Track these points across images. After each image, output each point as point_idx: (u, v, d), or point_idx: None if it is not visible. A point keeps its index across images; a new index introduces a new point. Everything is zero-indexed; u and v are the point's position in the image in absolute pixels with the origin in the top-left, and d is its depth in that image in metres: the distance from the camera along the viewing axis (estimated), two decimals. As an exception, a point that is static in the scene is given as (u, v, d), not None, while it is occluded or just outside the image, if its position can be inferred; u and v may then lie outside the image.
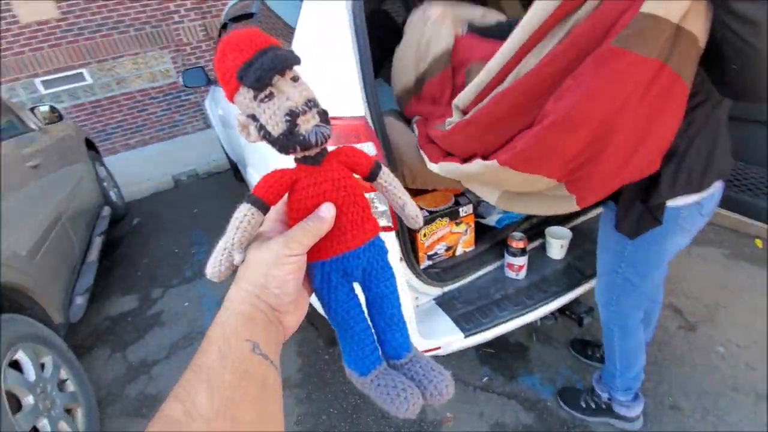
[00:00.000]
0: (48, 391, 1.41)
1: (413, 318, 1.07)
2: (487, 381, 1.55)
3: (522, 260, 1.26)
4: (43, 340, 1.49)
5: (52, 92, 5.00)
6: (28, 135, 2.27)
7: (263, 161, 1.43)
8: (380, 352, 0.36)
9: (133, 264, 2.82)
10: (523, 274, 1.29)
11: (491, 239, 1.39)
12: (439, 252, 1.31)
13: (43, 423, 1.33)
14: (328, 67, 0.99)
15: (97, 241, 2.52)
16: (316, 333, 1.87)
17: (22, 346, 1.39)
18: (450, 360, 1.58)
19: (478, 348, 1.66)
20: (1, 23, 4.48)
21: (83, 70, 5.05)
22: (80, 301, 1.97)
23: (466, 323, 1.16)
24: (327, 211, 0.33)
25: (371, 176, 0.37)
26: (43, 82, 4.91)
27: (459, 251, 1.35)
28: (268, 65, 0.29)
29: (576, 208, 0.85)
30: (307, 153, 0.33)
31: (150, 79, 5.45)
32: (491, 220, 1.44)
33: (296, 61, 0.31)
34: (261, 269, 0.31)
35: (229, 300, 0.31)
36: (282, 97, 0.30)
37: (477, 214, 1.39)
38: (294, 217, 0.34)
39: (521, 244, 1.24)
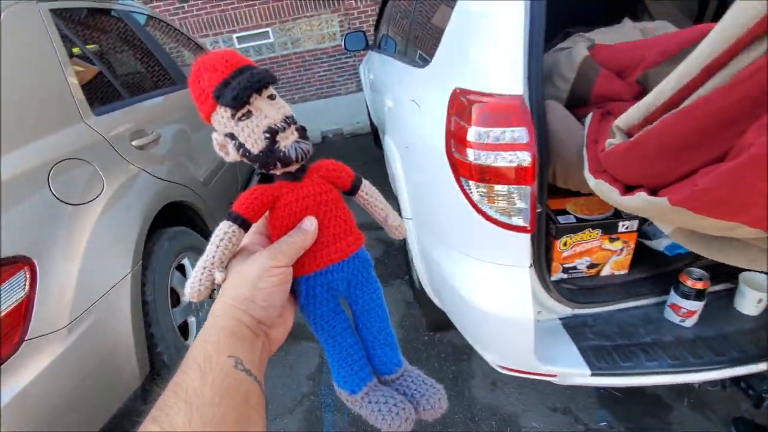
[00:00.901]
0: (199, 297, 1.71)
1: (531, 332, 0.92)
2: (604, 426, 1.31)
3: (696, 305, 0.97)
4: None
5: (244, 47, 5.86)
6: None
7: (400, 133, 1.39)
8: (370, 369, 0.36)
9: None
10: (692, 321, 1.00)
11: (654, 267, 1.11)
12: (579, 267, 1.10)
13: (191, 321, 1.62)
14: (484, 27, 0.87)
15: (255, 179, 2.92)
16: (422, 311, 1.85)
17: (188, 255, 1.70)
18: (564, 388, 1.38)
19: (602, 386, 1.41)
20: (217, -14, 5.35)
21: (269, 29, 5.76)
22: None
23: (597, 360, 0.96)
24: (309, 225, 0.33)
25: (352, 190, 0.37)
26: (238, 37, 5.79)
27: (605, 272, 1.11)
28: (245, 84, 0.29)
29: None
30: (287, 169, 0.33)
31: (319, 41, 5.94)
32: (659, 243, 1.14)
33: (272, 79, 0.31)
34: (247, 282, 0.30)
35: (213, 315, 0.30)
36: (260, 115, 0.30)
37: (641, 233, 1.12)
38: (276, 234, 0.34)
39: (699, 285, 0.95)
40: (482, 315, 0.95)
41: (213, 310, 0.31)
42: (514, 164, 0.82)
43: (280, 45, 5.90)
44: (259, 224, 0.35)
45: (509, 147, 0.82)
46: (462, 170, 0.91)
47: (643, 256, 1.12)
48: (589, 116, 0.92)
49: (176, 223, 1.70)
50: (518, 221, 0.87)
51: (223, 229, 0.32)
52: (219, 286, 0.32)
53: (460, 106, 0.93)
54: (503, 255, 0.93)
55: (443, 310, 1.30)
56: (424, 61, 1.30)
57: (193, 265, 1.71)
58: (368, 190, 0.38)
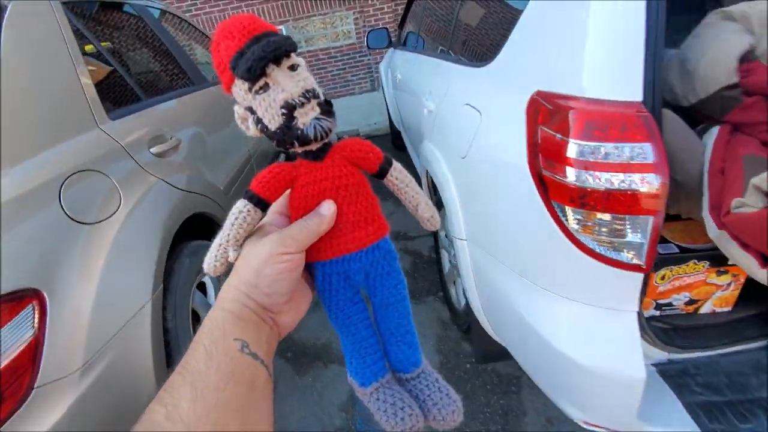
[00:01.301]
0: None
1: (640, 393, 0.76)
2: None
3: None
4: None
5: (257, 45, 5.73)
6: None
7: (450, 141, 1.24)
8: (386, 364, 0.34)
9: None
10: (820, 373, 0.83)
11: (764, 303, 0.94)
12: (675, 303, 0.94)
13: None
14: (583, 15, 0.71)
15: (281, 159, 2.80)
16: (462, 336, 1.69)
17: (208, 274, 1.56)
18: None
19: None
20: (230, -18, 5.22)
21: (282, 27, 5.63)
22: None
23: (710, 420, 0.80)
24: (327, 209, 0.31)
25: (380, 173, 0.34)
26: (252, 36, 5.65)
27: (706, 309, 0.95)
28: (259, 54, 0.27)
29: None
30: (307, 148, 0.30)
31: (333, 39, 5.79)
32: (768, 274, 0.98)
33: (291, 47, 0.28)
34: (253, 266, 0.29)
35: (221, 298, 0.30)
36: (277, 88, 0.28)
37: (749, 263, 0.95)
38: (294, 215, 0.32)
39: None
40: (572, 366, 0.79)
41: (221, 292, 0.30)
42: (631, 188, 0.67)
43: (294, 43, 5.76)
44: (281, 203, 0.34)
45: (625, 167, 0.67)
46: (555, 192, 0.75)
47: (750, 289, 0.96)
48: (713, 133, 0.75)
49: (196, 237, 1.57)
50: (629, 257, 0.71)
51: (239, 207, 0.31)
52: (231, 264, 0.31)
53: (548, 113, 0.77)
54: (604, 295, 0.77)
55: (501, 343, 1.15)
56: (482, 60, 1.14)
57: (214, 284, 1.57)
58: (399, 175, 0.35)
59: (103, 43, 1.53)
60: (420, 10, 2.24)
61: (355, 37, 5.78)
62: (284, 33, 5.60)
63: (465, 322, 1.54)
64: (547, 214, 0.78)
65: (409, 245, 2.37)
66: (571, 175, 0.71)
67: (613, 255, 0.72)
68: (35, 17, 1.14)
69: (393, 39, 3.17)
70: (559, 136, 0.73)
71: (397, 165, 0.35)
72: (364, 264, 0.33)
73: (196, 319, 1.41)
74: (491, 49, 1.09)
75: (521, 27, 0.93)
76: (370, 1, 5.43)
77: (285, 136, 0.29)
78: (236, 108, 0.31)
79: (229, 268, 0.32)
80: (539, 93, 0.82)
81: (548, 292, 0.85)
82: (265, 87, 0.28)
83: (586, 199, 0.71)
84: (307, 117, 0.29)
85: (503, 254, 0.98)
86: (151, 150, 1.35)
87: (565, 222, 0.75)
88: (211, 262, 0.31)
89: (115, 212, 1.08)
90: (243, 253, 0.31)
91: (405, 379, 0.34)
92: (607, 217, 0.71)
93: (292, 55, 0.29)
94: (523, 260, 0.91)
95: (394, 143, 3.97)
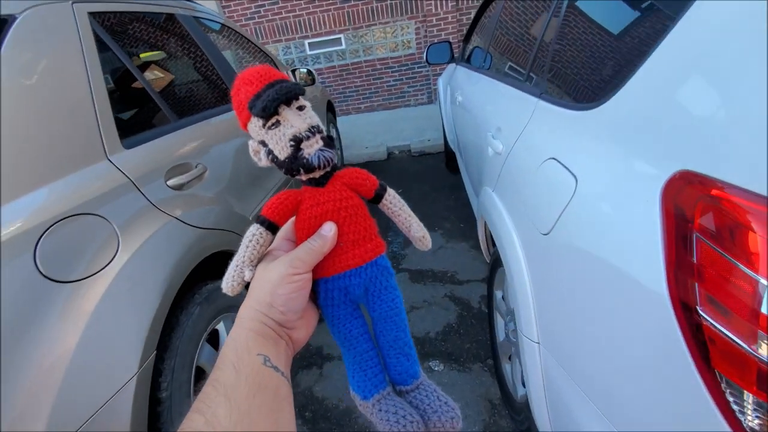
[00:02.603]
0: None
1: None
2: None
3: None
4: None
5: (314, 53, 5.68)
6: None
7: (526, 205, 0.94)
8: (386, 377, 0.36)
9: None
10: None
11: None
12: None
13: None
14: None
15: None
16: (512, 425, 1.37)
17: (226, 318, 1.37)
18: None
19: None
20: (294, -10, 5.21)
21: (341, 36, 5.54)
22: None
23: None
24: (329, 230, 0.34)
25: (376, 198, 0.37)
26: (310, 43, 5.62)
27: None
28: (273, 96, 0.31)
29: None
30: (312, 175, 0.34)
31: (392, 49, 5.60)
32: None
33: (300, 92, 0.33)
34: (267, 288, 0.32)
35: (240, 317, 0.32)
36: (287, 124, 0.33)
37: None
38: (299, 236, 0.35)
39: None
40: None
41: (240, 312, 0.33)
42: None
43: (351, 52, 5.65)
44: (286, 229, 0.36)
45: None
46: (723, 359, 0.44)
47: None
48: None
49: (213, 274, 1.39)
50: None
51: (252, 231, 0.34)
52: (249, 284, 0.34)
53: (716, 216, 0.46)
54: None
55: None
56: (582, 100, 0.83)
57: (229, 330, 1.38)
58: (392, 200, 0.38)
59: (136, 59, 1.41)
60: (492, 23, 1.93)
61: (415, 47, 5.55)
62: (343, 42, 5.50)
63: (524, 420, 1.22)
64: (700, 384, 0.46)
65: (456, 291, 2.07)
66: (766, 345, 0.40)
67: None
68: (49, 30, 1.00)
69: (456, 53, 2.89)
70: (744, 268, 0.42)
71: (390, 191, 0.38)
72: (363, 279, 0.35)
73: (201, 376, 1.22)
74: (600, 87, 0.78)
75: (659, 59, 0.62)
76: (433, 10, 5.17)
77: (293, 165, 0.33)
78: (250, 143, 0.35)
79: (245, 287, 0.35)
80: (689, 175, 0.51)
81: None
82: (277, 123, 0.33)
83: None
84: (312, 148, 0.33)
85: (596, 392, 0.67)
86: (169, 182, 1.18)
87: (736, 412, 0.44)
88: (228, 282, 0.34)
89: (108, 264, 0.91)
90: (256, 276, 0.33)
91: (404, 391, 0.35)
92: None
93: (300, 98, 0.34)
94: (627, 416, 0.60)
95: (447, 165, 3.67)
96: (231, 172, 1.54)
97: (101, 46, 1.16)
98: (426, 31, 5.35)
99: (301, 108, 0.33)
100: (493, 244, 1.66)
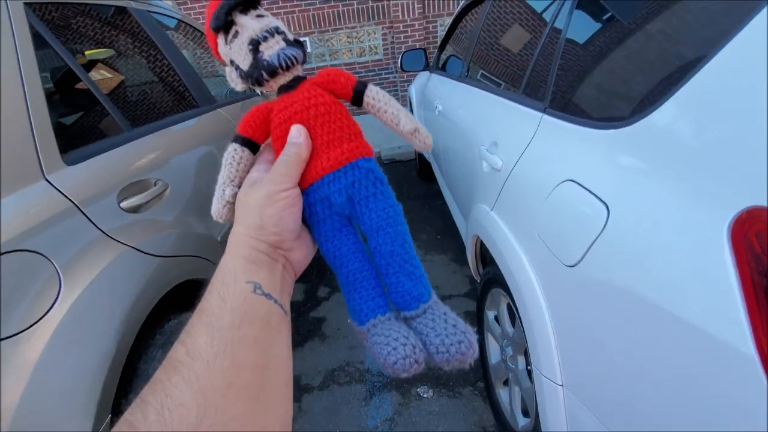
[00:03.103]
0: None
1: None
2: None
3: None
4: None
5: (279, 56, 5.47)
6: (253, 99, 2.22)
7: (529, 221, 0.86)
8: (387, 301, 0.31)
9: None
10: None
11: None
12: None
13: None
14: None
15: None
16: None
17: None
18: None
19: None
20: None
21: (306, 39, 5.37)
22: (255, 291, 1.81)
23: None
24: (296, 135, 0.31)
25: (356, 97, 0.33)
26: (274, 46, 5.40)
27: None
28: (224, 5, 0.30)
29: None
30: (278, 79, 0.31)
31: (358, 54, 5.51)
32: None
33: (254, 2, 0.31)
34: (254, 211, 0.30)
35: (229, 245, 0.30)
36: (246, 31, 0.30)
37: None
38: (276, 148, 0.33)
39: None
40: None
41: (228, 241, 0.30)
42: None
43: (317, 56, 5.50)
44: (267, 155, 0.33)
45: None
46: None
47: None
48: None
49: (178, 305, 1.21)
50: None
51: (227, 150, 0.32)
52: (232, 204, 0.32)
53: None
54: None
55: None
56: (604, 119, 0.77)
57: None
58: (375, 95, 0.33)
59: (81, 58, 1.21)
60: (476, 31, 1.88)
61: (381, 53, 5.49)
62: (308, 45, 5.34)
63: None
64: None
65: (439, 308, 1.99)
66: None
67: None
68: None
69: (430, 61, 2.84)
70: None
71: (373, 87, 0.33)
72: (343, 184, 0.31)
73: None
74: (630, 101, 0.72)
75: (717, 68, 0.55)
76: (400, 17, 5.14)
77: (254, 71, 0.30)
78: (226, 69, 0.33)
79: (232, 214, 0.32)
80: (762, 212, 0.45)
81: None
82: (236, 34, 0.30)
83: None
84: (272, 49, 0.30)
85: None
86: (123, 204, 1.00)
87: None
88: (215, 208, 0.32)
89: (45, 314, 0.73)
90: (241, 202, 0.31)
91: (409, 317, 0.30)
92: None
93: (261, 9, 0.31)
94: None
95: (420, 173, 3.62)
96: (195, 187, 1.36)
97: (40, 42, 0.97)
98: (393, 37, 5.31)
99: (261, 16, 0.31)
100: (483, 265, 1.59)
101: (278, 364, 0.27)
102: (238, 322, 0.25)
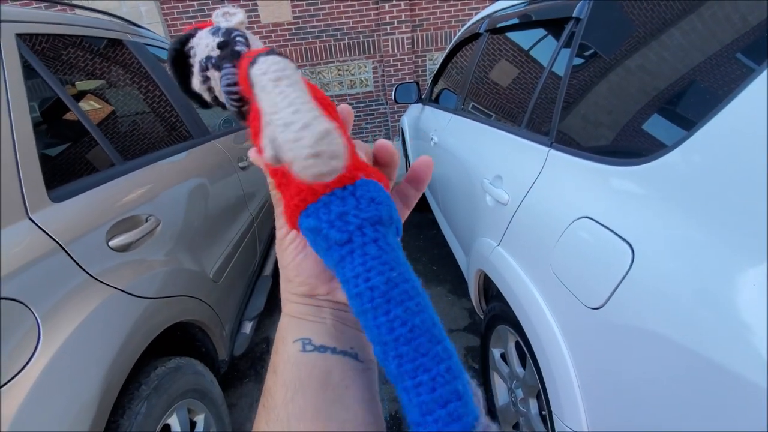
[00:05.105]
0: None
1: None
2: None
3: None
4: (200, 393, 1.19)
5: (270, 88, 5.53)
6: (244, 132, 2.20)
7: (544, 259, 0.83)
8: None
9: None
10: None
11: None
12: None
13: None
14: None
15: (274, 251, 2.36)
16: None
17: (179, 406, 1.10)
18: None
19: None
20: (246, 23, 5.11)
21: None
22: (248, 329, 1.72)
23: None
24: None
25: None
26: (266, 78, 5.47)
27: None
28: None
29: None
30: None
31: (349, 86, 5.61)
32: None
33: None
34: (281, 264, 0.28)
35: (282, 306, 0.29)
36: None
37: None
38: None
39: None
40: None
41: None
42: None
43: (309, 87, 5.57)
44: None
45: None
46: None
47: None
48: None
49: (170, 349, 1.13)
50: None
51: None
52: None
53: None
54: None
55: None
56: (619, 155, 0.76)
57: (182, 422, 1.09)
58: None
59: (71, 89, 1.17)
60: (472, 64, 1.91)
61: (372, 85, 5.60)
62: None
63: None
64: None
65: (439, 344, 1.91)
66: None
67: None
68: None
69: (423, 94, 2.89)
70: None
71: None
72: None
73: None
74: (650, 138, 0.70)
75: (747, 103, 0.54)
76: (391, 51, 5.29)
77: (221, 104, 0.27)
78: None
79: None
80: None
81: None
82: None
83: None
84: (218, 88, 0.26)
85: None
86: (111, 243, 0.94)
87: None
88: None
89: (21, 371, 0.65)
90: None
91: None
92: None
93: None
94: None
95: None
96: (186, 221, 1.30)
97: (30, 74, 0.93)
98: (383, 70, 5.44)
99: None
100: (487, 301, 1.55)
101: (349, 427, 0.23)
102: (291, 395, 0.23)
